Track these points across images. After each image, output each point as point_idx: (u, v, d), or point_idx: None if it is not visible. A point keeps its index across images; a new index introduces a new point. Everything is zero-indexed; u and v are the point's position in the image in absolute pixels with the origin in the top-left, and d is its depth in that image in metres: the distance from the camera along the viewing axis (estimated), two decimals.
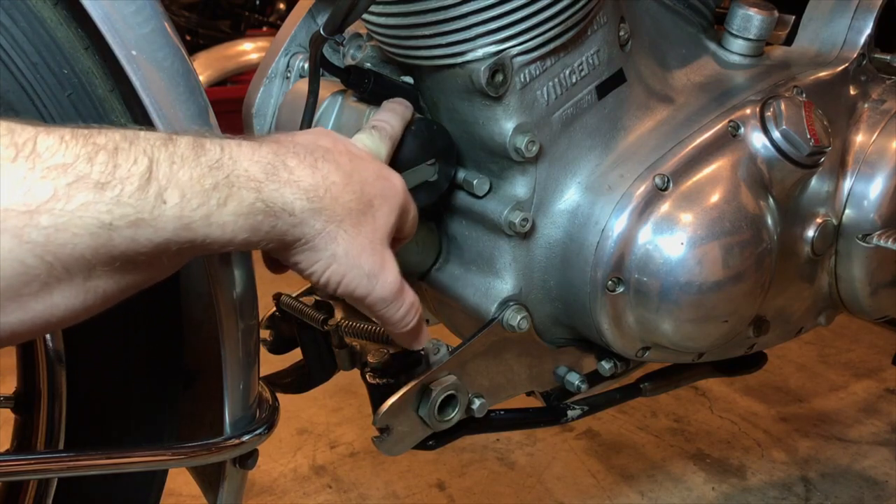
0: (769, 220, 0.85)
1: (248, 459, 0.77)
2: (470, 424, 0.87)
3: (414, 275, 0.89)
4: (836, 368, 1.86)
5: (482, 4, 0.72)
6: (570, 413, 0.95)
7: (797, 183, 0.89)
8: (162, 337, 0.78)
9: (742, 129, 0.86)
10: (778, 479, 1.49)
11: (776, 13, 0.92)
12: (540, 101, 0.79)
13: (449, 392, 0.82)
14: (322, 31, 0.72)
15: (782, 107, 0.86)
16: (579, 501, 1.44)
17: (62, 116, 0.67)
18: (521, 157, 0.78)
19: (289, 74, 0.90)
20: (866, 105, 0.97)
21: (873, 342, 1.94)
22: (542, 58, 0.77)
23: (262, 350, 0.88)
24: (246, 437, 0.74)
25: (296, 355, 1.01)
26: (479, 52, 0.74)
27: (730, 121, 0.86)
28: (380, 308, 0.65)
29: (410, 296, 0.66)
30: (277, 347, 1.02)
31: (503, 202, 0.81)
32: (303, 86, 0.81)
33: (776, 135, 0.86)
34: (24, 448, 0.80)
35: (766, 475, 1.50)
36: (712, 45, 0.94)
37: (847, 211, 0.94)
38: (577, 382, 0.90)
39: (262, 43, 2.66)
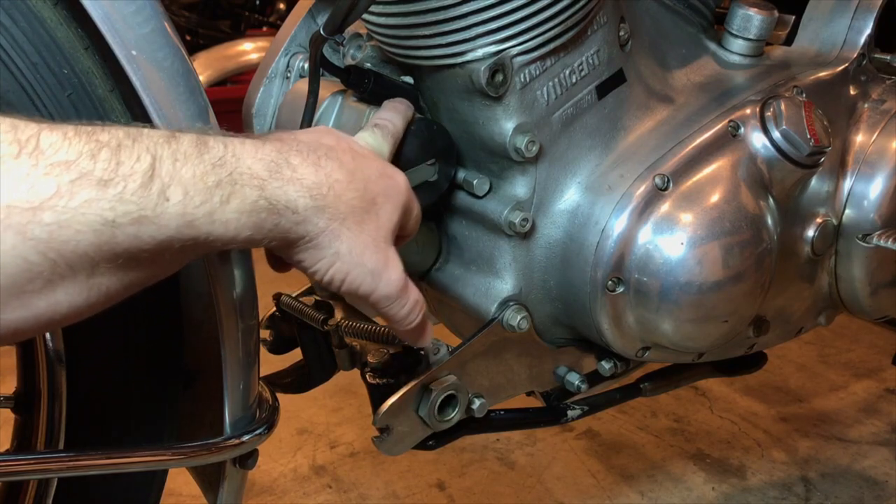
0: (769, 220, 0.85)
1: (248, 459, 0.77)
2: (470, 424, 0.87)
3: (414, 275, 0.89)
4: (836, 368, 1.86)
5: (482, 4, 0.72)
6: (570, 413, 0.95)
7: (797, 183, 0.89)
8: (162, 337, 0.78)
9: (742, 129, 0.86)
10: (778, 479, 1.49)
11: (776, 13, 0.92)
12: (540, 101, 0.79)
13: (449, 392, 0.82)
14: (322, 31, 0.72)
15: (782, 107, 0.86)
16: (579, 501, 1.44)
17: (62, 116, 0.67)
18: (521, 157, 0.78)
19: (289, 74, 0.90)
20: (866, 105, 0.97)
21: (873, 342, 1.94)
22: (542, 58, 0.77)
23: (262, 350, 0.88)
24: (246, 437, 0.74)
25: (296, 355, 1.01)
26: (479, 52, 0.74)
27: (730, 121, 0.86)
28: (384, 305, 0.65)
29: (414, 293, 0.66)
30: (277, 347, 1.02)
31: (503, 202, 0.81)
32: (303, 86, 0.81)
33: (776, 135, 0.86)
34: (24, 448, 0.80)
35: (766, 475, 1.50)
36: (712, 45, 0.94)
37: (847, 211, 0.94)
38: (577, 382, 0.90)
39: (262, 43, 2.66)
